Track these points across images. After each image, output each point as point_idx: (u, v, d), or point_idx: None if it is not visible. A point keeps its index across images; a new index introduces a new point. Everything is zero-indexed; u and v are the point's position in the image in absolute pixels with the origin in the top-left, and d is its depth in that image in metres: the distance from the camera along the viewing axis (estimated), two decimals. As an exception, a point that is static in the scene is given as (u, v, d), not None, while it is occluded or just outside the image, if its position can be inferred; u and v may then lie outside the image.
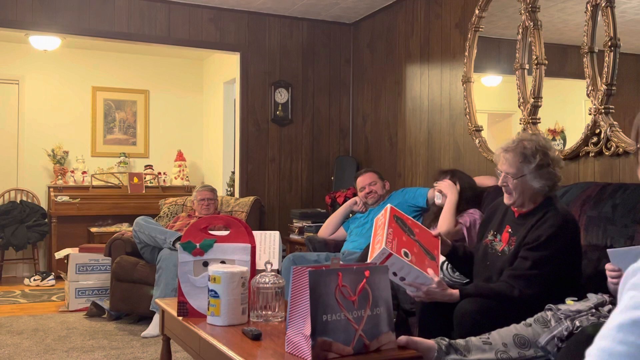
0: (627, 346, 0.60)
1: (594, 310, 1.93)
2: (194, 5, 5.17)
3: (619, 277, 1.91)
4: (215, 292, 2.24)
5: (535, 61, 3.47)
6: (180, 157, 7.10)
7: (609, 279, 1.96)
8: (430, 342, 1.94)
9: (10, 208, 6.21)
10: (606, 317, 1.91)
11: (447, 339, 1.96)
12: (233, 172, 6.12)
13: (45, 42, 5.75)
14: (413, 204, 3.89)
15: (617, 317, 0.64)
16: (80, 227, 6.47)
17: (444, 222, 3.26)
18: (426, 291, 2.22)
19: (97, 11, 4.90)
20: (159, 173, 7.04)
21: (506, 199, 2.37)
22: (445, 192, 3.41)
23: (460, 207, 3.35)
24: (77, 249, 4.91)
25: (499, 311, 2.12)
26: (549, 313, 1.99)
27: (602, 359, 0.61)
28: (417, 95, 4.74)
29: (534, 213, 2.32)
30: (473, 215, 3.29)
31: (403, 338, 1.94)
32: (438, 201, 3.43)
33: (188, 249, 2.45)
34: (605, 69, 3.01)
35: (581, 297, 2.05)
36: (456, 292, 2.25)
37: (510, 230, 2.37)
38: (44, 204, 6.57)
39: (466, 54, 4.08)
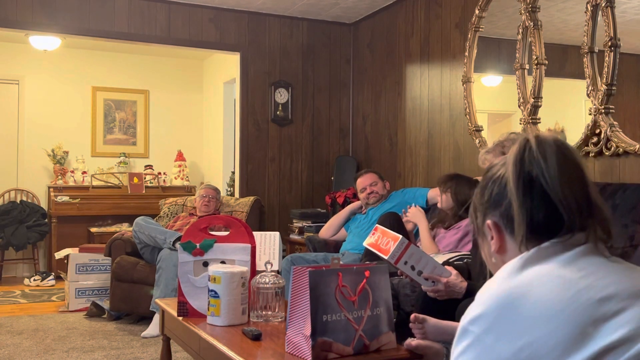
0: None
1: None
2: (194, 5, 5.17)
3: None
4: (215, 292, 2.24)
5: (535, 61, 3.47)
6: (180, 157, 7.10)
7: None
8: (439, 345, 1.93)
9: (10, 208, 6.21)
10: None
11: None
12: (233, 172, 6.12)
13: (45, 42, 5.75)
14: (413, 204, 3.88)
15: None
16: (80, 227, 6.47)
17: (426, 250, 3.25)
18: (446, 283, 2.23)
19: (97, 11, 4.90)
20: (159, 173, 7.04)
21: None
22: (415, 222, 3.49)
23: (448, 222, 3.32)
24: (77, 249, 4.91)
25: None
26: None
27: None
28: (417, 95, 4.74)
29: None
30: (460, 228, 3.25)
31: (412, 342, 1.93)
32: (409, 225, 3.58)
33: (188, 249, 2.45)
34: (605, 69, 3.01)
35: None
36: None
37: None
38: (44, 204, 6.57)
39: (466, 54, 4.08)
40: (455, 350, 0.86)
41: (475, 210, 1.01)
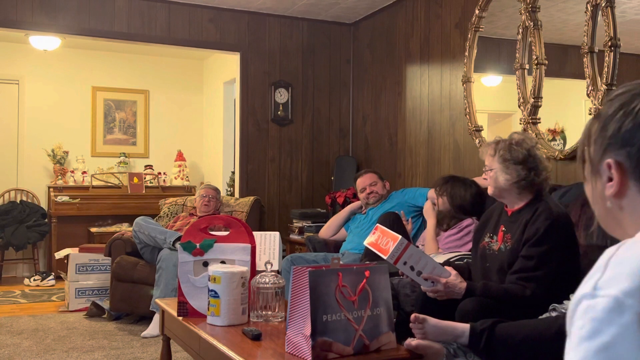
0: None
1: None
2: (194, 5, 5.17)
3: None
4: (215, 292, 2.24)
5: (535, 61, 3.46)
6: (180, 157, 7.10)
7: None
8: (439, 345, 1.94)
9: (10, 208, 6.21)
10: None
11: (454, 343, 1.96)
12: (233, 172, 6.12)
13: (45, 42, 5.75)
14: (413, 204, 3.89)
15: (577, 351, 0.66)
16: (80, 227, 6.47)
17: (427, 248, 3.27)
18: (446, 283, 2.23)
19: (97, 11, 4.90)
20: (159, 173, 7.04)
21: (488, 190, 2.49)
22: (426, 217, 3.52)
23: (446, 224, 3.32)
24: (77, 249, 4.91)
25: (501, 311, 2.12)
26: (553, 313, 1.99)
27: None
28: (417, 95, 4.74)
29: (524, 210, 2.34)
30: (467, 227, 3.26)
31: (412, 342, 1.93)
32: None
33: (188, 249, 2.45)
34: (605, 69, 3.01)
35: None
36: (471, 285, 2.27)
37: (504, 229, 2.40)
38: (44, 204, 6.57)
39: (466, 54, 4.08)
40: (607, 329, 0.65)
41: (589, 142, 0.84)
